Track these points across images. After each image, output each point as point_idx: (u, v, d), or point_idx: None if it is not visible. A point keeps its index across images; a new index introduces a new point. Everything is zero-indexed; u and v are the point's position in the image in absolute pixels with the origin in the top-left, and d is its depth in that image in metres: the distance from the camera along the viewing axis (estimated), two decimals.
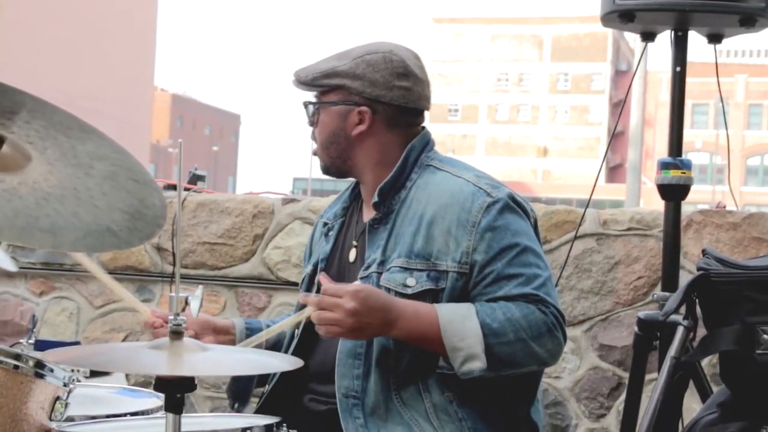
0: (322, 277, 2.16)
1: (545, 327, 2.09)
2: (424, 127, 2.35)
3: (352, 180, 2.42)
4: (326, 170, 2.37)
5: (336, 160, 2.32)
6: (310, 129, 2.37)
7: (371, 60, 2.26)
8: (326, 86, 2.28)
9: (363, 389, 2.16)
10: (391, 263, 2.19)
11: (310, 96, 2.34)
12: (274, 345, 2.40)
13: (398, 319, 2.09)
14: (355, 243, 2.33)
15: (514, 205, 2.20)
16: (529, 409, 2.27)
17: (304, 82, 2.31)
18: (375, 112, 2.27)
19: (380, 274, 2.19)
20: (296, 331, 2.36)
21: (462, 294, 2.15)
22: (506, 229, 2.15)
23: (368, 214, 2.32)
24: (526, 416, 2.25)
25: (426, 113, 2.35)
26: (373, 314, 2.07)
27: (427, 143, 2.32)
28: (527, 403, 2.26)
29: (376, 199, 2.25)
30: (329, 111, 2.29)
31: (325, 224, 2.43)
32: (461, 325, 2.08)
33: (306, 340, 2.33)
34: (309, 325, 2.31)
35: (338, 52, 2.33)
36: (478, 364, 2.07)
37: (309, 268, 2.42)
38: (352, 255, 2.32)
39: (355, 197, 2.41)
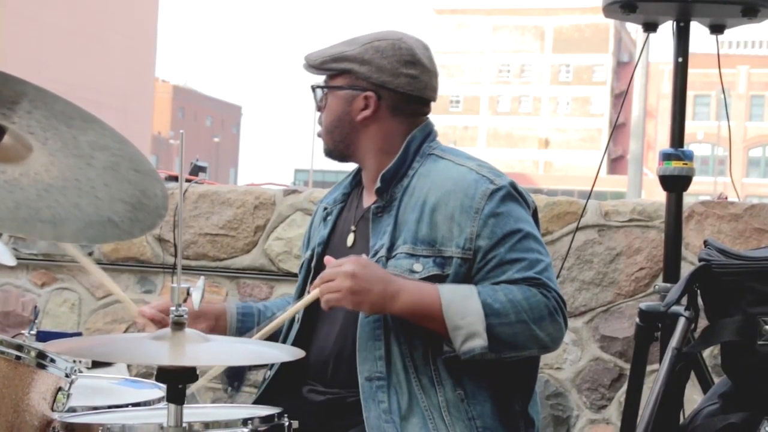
0: (326, 260, 2.18)
1: (546, 310, 2.11)
2: (428, 118, 2.36)
3: (353, 168, 2.43)
4: (329, 153, 2.39)
5: (339, 144, 2.34)
6: (318, 113, 2.38)
7: (380, 46, 2.27)
8: (334, 70, 2.30)
9: (387, 369, 2.17)
10: (396, 250, 2.21)
11: (319, 80, 2.36)
12: (271, 336, 2.40)
13: (400, 293, 2.11)
14: (353, 228, 2.34)
15: (515, 194, 2.22)
16: (527, 404, 2.27)
17: (313, 65, 2.33)
18: (380, 98, 2.28)
19: (388, 259, 2.20)
20: (294, 322, 2.36)
21: (465, 280, 2.17)
22: (509, 215, 2.17)
23: (368, 200, 2.33)
24: (524, 411, 2.26)
25: (432, 104, 2.36)
26: (372, 281, 2.09)
27: (429, 133, 2.34)
28: (525, 398, 2.27)
29: (379, 185, 2.27)
30: (336, 95, 2.31)
31: (325, 209, 2.44)
32: (463, 304, 2.09)
33: (304, 331, 2.33)
34: (306, 315, 2.31)
35: (349, 38, 2.34)
36: (480, 342, 2.08)
37: (307, 254, 2.43)
38: (350, 240, 2.33)
39: (356, 184, 2.42)
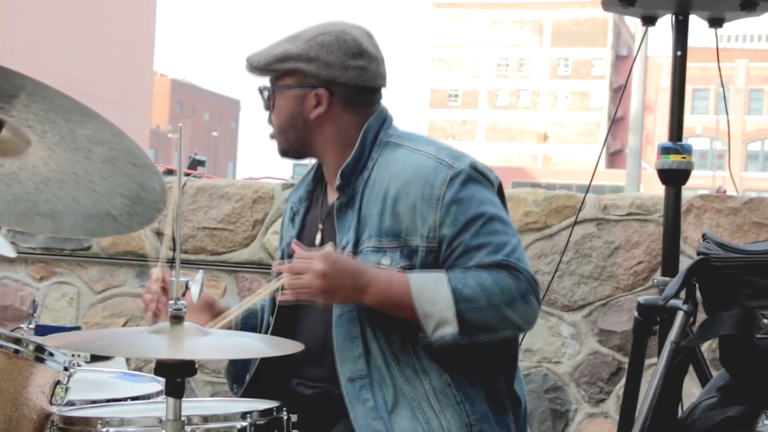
0: (293, 244, 2.17)
1: (518, 292, 2.10)
2: (381, 104, 2.33)
3: (314, 162, 2.41)
4: (284, 153, 2.36)
5: (294, 143, 2.32)
6: (266, 113, 2.35)
7: (324, 41, 2.24)
8: (280, 70, 2.26)
9: (368, 368, 2.16)
10: (362, 245, 2.20)
11: (265, 81, 2.32)
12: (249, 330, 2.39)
13: (370, 284, 2.11)
14: (320, 226, 2.33)
15: (476, 175, 2.20)
16: (511, 382, 2.27)
17: (258, 67, 2.28)
18: (332, 94, 2.25)
19: (355, 255, 2.19)
20: (270, 318, 2.36)
21: (433, 269, 2.16)
22: (471, 200, 2.16)
23: (332, 196, 2.31)
24: (508, 389, 2.26)
25: (383, 90, 2.33)
26: (343, 277, 2.08)
27: (384, 120, 2.31)
28: (509, 376, 2.27)
29: (339, 182, 2.25)
30: (285, 95, 2.28)
31: (291, 209, 2.43)
32: (432, 291, 2.09)
33: (282, 325, 2.32)
34: (283, 311, 2.30)
35: (289, 34, 2.30)
36: (450, 329, 2.08)
37: (278, 255, 2.44)
38: (318, 238, 2.32)
39: (318, 180, 2.40)
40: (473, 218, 2.14)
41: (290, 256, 2.37)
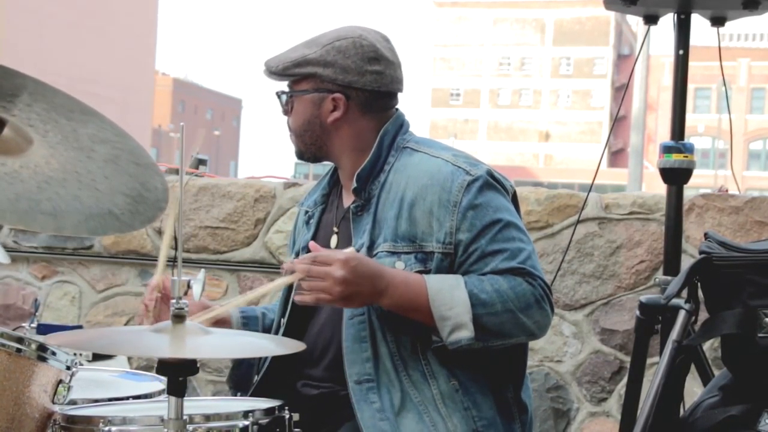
0: (311, 245, 2.16)
1: (533, 298, 2.11)
2: (398, 110, 2.34)
3: (330, 165, 2.42)
4: (301, 156, 2.37)
5: (311, 146, 2.33)
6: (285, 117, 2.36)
7: (341, 46, 2.25)
8: (298, 75, 2.28)
9: (376, 371, 2.16)
10: (377, 248, 2.20)
11: (283, 86, 2.33)
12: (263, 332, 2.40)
13: (388, 287, 2.10)
14: (335, 230, 2.33)
15: (493, 182, 2.21)
16: (519, 390, 2.28)
17: (275, 72, 2.30)
18: (349, 98, 2.26)
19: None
20: (282, 319, 2.36)
21: (448, 273, 2.16)
22: (487, 206, 2.16)
23: (348, 200, 2.32)
24: (516, 398, 2.27)
25: (399, 95, 2.34)
26: (363, 282, 2.08)
27: (402, 125, 2.32)
28: (517, 385, 2.28)
29: (355, 184, 2.25)
30: (302, 99, 2.29)
31: (306, 212, 2.43)
32: (449, 295, 2.09)
33: (294, 327, 2.33)
34: (294, 312, 2.31)
35: (307, 39, 2.32)
36: (466, 333, 2.08)
37: (291, 257, 2.42)
38: (333, 241, 2.32)
39: (334, 183, 2.41)
40: (490, 224, 2.15)
41: (297, 254, 2.38)
